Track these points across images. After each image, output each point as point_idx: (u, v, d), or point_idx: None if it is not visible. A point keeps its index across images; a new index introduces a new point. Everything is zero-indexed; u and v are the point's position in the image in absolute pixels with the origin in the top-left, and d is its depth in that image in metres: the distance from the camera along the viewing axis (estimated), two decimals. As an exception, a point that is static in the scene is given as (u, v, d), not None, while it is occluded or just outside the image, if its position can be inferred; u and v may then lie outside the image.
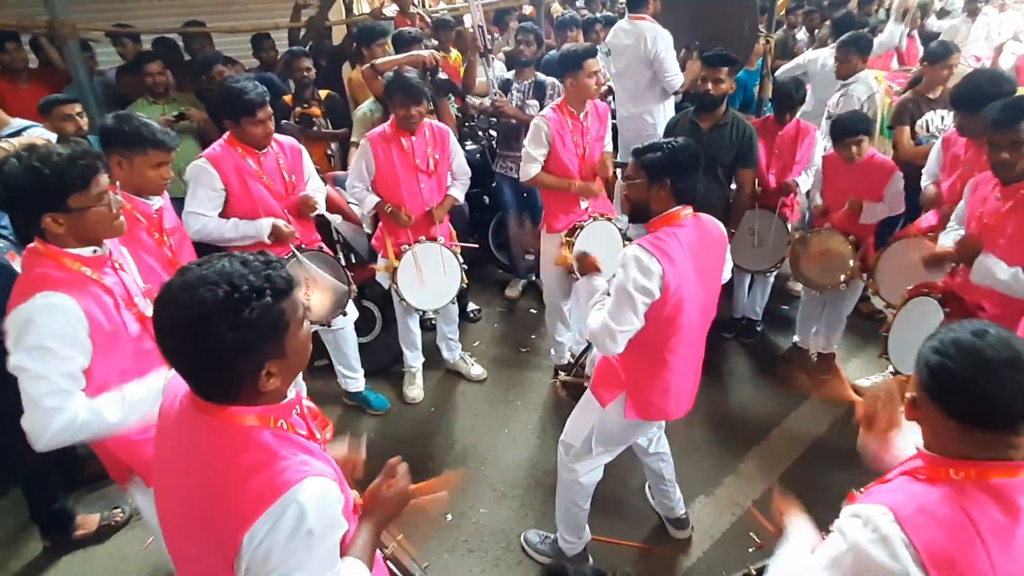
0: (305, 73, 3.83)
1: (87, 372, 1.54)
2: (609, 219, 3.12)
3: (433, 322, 3.57)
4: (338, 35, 5.50)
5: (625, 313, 1.83)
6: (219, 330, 0.96)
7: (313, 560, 1.02)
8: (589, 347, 2.90)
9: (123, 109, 3.00)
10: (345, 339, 3.04)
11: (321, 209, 2.78)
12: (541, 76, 3.90)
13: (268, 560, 0.99)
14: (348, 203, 3.35)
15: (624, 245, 3.11)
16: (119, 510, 2.54)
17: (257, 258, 1.05)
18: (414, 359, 3.39)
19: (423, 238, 3.00)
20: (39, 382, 1.47)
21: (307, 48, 4.40)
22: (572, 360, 3.39)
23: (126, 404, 1.54)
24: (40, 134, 2.69)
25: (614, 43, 4.03)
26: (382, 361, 3.53)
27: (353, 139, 3.52)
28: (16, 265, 2.07)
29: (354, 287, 2.90)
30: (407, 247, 2.96)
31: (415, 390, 3.37)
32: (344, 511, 1.10)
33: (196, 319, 0.97)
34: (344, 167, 3.69)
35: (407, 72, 2.90)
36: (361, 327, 3.41)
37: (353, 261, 3.34)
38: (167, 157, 2.06)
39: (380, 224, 3.12)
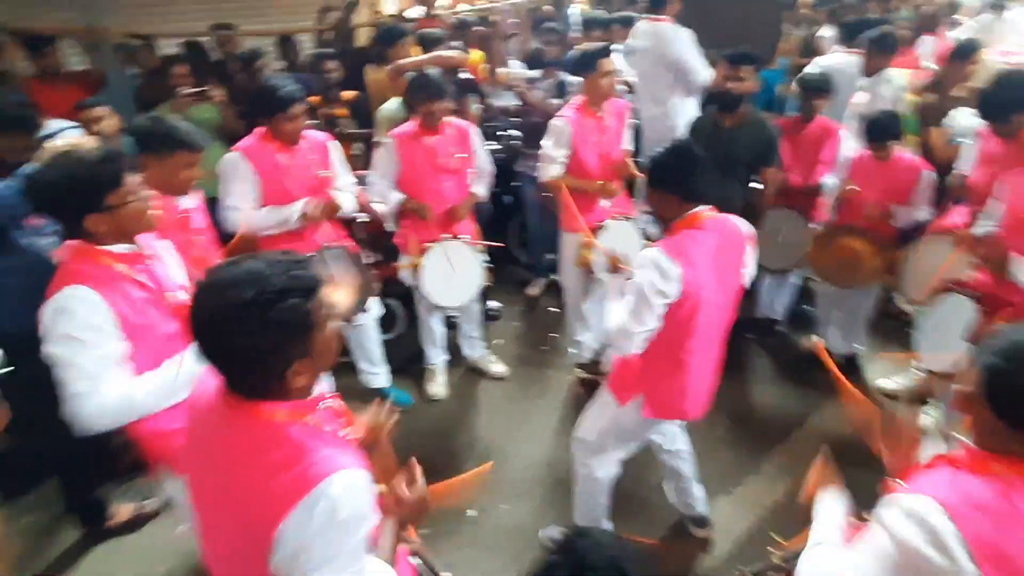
0: (331, 74, 3.89)
1: (124, 360, 1.60)
2: (629, 219, 3.13)
3: (455, 319, 3.61)
4: (362, 37, 5.57)
5: (642, 315, 1.85)
6: (247, 330, 1.00)
7: (342, 554, 1.04)
8: (607, 344, 2.91)
9: (151, 110, 3.09)
10: (367, 335, 3.09)
11: (347, 209, 2.83)
12: (564, 76, 3.92)
13: (299, 554, 1.01)
14: (372, 202, 3.40)
15: (645, 245, 3.13)
16: (151, 500, 2.60)
17: (284, 258, 1.07)
18: (436, 356, 3.43)
19: (446, 236, 3.03)
20: (70, 369, 1.54)
21: (333, 50, 4.48)
22: (592, 359, 3.41)
23: (154, 388, 1.60)
24: (77, 136, 2.77)
25: (634, 45, 4.04)
26: (405, 358, 3.58)
27: (377, 139, 3.58)
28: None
29: (377, 284, 2.94)
30: (430, 245, 2.99)
31: (437, 387, 3.40)
32: (373, 503, 1.12)
33: (225, 319, 1.01)
34: (369, 167, 3.75)
35: (429, 70, 2.95)
36: (383, 324, 3.45)
37: (378, 259, 3.39)
38: (196, 158, 2.12)
39: (403, 222, 3.16)
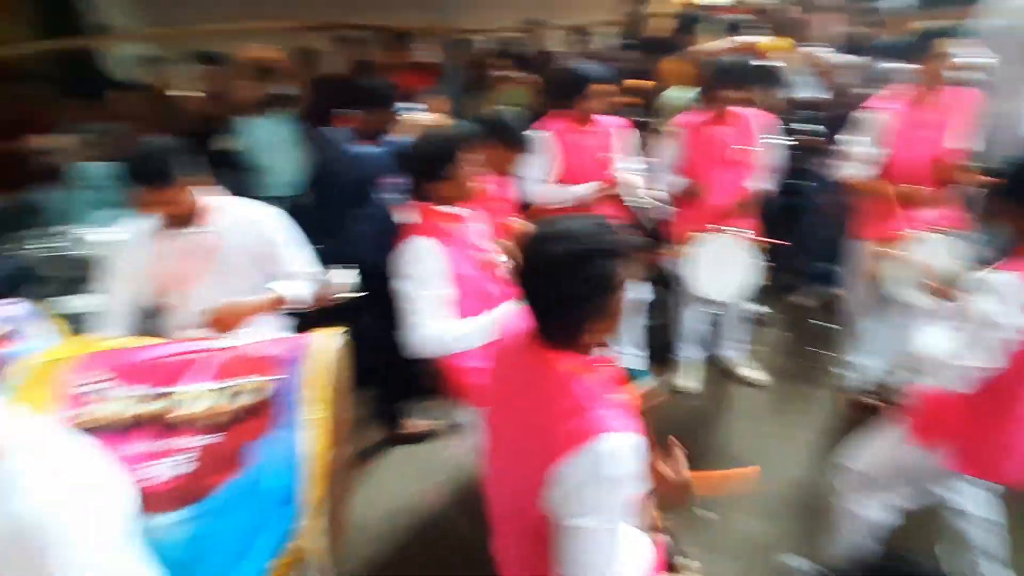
0: (625, 64, 4.04)
1: (447, 304, 1.92)
2: (949, 232, 2.66)
3: (717, 315, 3.50)
4: (662, 27, 5.63)
5: (981, 349, 1.57)
6: (565, 280, 1.13)
7: (604, 508, 1.12)
8: (899, 370, 2.55)
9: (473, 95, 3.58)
10: (632, 316, 3.18)
11: (630, 192, 2.95)
12: (884, 62, 3.46)
13: (566, 499, 1.12)
14: (650, 188, 3.46)
15: (973, 266, 2.63)
16: (440, 421, 3.04)
17: (601, 221, 1.19)
18: (691, 350, 3.38)
19: (722, 227, 2.94)
20: (409, 304, 1.91)
21: (628, 40, 4.63)
22: (872, 386, 3.02)
23: (468, 332, 1.89)
24: (419, 116, 3.35)
25: (987, 24, 3.35)
26: (661, 346, 3.59)
27: (661, 126, 3.62)
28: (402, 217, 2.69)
29: (650, 267, 3.02)
30: (702, 235, 2.94)
31: (689, 381, 3.36)
32: (640, 469, 1.17)
33: (549, 267, 1.14)
34: (651, 154, 3.82)
35: (728, 57, 2.89)
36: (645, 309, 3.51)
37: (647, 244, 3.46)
38: (516, 154, 2.44)
39: (677, 210, 3.16)
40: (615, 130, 3.00)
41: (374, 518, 2.60)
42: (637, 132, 3.25)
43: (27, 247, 2.89)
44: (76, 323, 2.24)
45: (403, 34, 4.47)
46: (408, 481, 2.83)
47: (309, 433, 1.58)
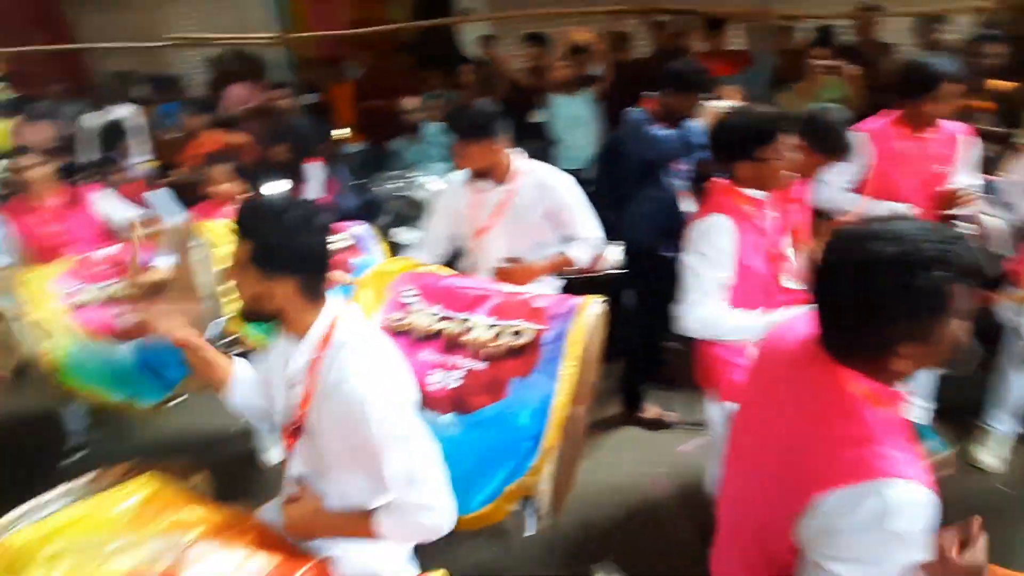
0: (988, 59, 3.31)
1: (728, 288, 1.86)
2: None
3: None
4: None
5: None
6: (876, 287, 0.95)
7: (877, 561, 0.96)
8: None
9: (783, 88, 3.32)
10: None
11: (968, 210, 2.47)
12: None
13: (829, 535, 0.98)
14: (985, 214, 2.84)
15: None
16: (674, 413, 3.01)
17: (940, 230, 0.99)
18: (1003, 421, 2.71)
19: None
20: (694, 280, 1.88)
21: (993, 31, 3.79)
22: None
23: (744, 325, 1.81)
24: (718, 104, 3.25)
25: None
26: (958, 403, 2.95)
27: (1019, 139, 2.91)
28: (686, 204, 2.69)
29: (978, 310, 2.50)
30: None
31: (990, 457, 2.71)
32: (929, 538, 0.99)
33: (857, 270, 0.97)
34: (1000, 172, 3.12)
35: None
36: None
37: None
38: (834, 161, 2.27)
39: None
40: (961, 138, 2.51)
41: (594, 487, 2.63)
42: (982, 144, 2.68)
43: (382, 185, 3.74)
44: (398, 249, 2.78)
45: (716, 20, 4.34)
46: (633, 463, 2.85)
47: (561, 384, 1.72)
